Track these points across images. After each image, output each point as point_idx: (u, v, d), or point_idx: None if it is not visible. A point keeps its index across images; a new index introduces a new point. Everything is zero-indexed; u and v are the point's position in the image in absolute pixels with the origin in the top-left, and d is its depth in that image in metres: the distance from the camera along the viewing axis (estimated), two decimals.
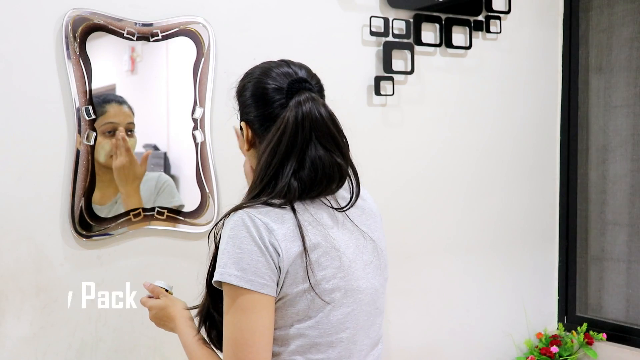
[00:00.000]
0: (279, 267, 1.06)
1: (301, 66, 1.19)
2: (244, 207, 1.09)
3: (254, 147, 1.19)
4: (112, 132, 1.75)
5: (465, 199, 2.47)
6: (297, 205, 1.11)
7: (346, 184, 1.17)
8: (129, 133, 1.78)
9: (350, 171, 1.17)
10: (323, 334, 1.10)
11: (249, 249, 1.05)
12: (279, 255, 1.06)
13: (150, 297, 1.35)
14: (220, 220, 1.13)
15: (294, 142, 1.10)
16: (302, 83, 1.15)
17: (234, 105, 1.24)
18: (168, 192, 1.86)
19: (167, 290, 1.35)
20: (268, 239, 1.06)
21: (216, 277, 1.07)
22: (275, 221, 1.07)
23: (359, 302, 1.14)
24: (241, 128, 1.20)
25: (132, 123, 1.79)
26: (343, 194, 1.19)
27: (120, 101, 1.77)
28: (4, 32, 1.63)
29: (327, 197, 1.16)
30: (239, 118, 1.21)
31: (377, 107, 2.25)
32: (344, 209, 1.16)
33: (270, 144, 1.11)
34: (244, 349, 1.04)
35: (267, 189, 1.11)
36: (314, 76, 1.20)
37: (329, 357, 1.11)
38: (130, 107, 1.79)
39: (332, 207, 1.15)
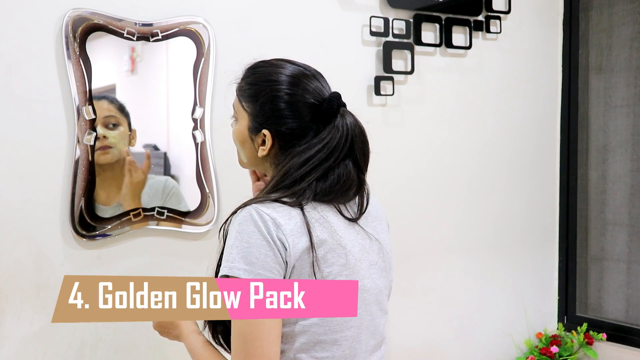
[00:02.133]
0: (286, 262, 1.07)
1: (313, 70, 1.21)
2: (252, 203, 1.10)
3: (267, 155, 1.19)
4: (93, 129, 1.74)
5: (465, 199, 2.47)
6: (306, 204, 1.12)
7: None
8: (112, 126, 1.76)
9: (364, 185, 1.20)
10: (327, 332, 1.11)
11: (257, 243, 1.06)
12: (286, 249, 1.06)
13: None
14: (230, 216, 1.13)
15: (330, 156, 1.14)
16: (339, 99, 1.18)
17: (242, 105, 1.21)
18: (175, 197, 1.86)
19: None
20: (276, 233, 1.06)
21: (223, 271, 1.07)
22: (282, 216, 1.08)
23: (364, 301, 1.15)
24: (256, 132, 1.19)
25: (113, 116, 1.76)
26: (354, 201, 1.20)
27: (99, 97, 1.74)
28: (4, 32, 1.63)
29: (338, 204, 1.17)
30: (257, 124, 1.19)
31: (377, 107, 2.25)
32: (351, 220, 1.17)
33: (306, 153, 1.13)
34: (254, 343, 1.04)
35: (283, 189, 1.12)
36: (326, 81, 1.22)
37: (334, 355, 1.11)
38: (112, 101, 1.76)
39: (340, 214, 1.16)
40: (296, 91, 1.16)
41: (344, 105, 1.18)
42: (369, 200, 1.21)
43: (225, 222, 1.14)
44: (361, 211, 1.19)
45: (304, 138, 1.16)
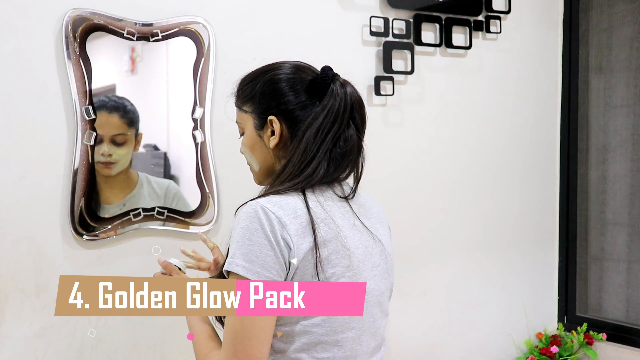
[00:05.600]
0: (289, 262, 1.07)
1: (314, 67, 1.24)
2: (261, 198, 1.10)
3: (278, 146, 1.20)
4: (98, 141, 1.72)
5: (465, 198, 2.47)
6: (311, 201, 1.12)
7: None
8: (117, 144, 1.75)
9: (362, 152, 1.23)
10: (329, 332, 1.11)
11: (259, 242, 1.06)
12: (290, 249, 1.07)
13: (163, 274, 1.35)
14: (240, 207, 1.13)
15: (334, 125, 1.16)
16: (332, 70, 1.20)
17: (243, 110, 1.23)
18: (181, 202, 1.86)
19: (179, 269, 1.35)
20: (280, 233, 1.07)
21: (225, 266, 1.09)
22: (288, 215, 1.08)
23: (366, 302, 1.15)
24: (261, 127, 1.20)
25: (122, 134, 1.76)
26: (349, 183, 1.22)
27: (111, 109, 1.75)
28: (4, 32, 1.63)
29: (336, 186, 1.18)
30: (260, 116, 1.20)
31: (377, 107, 2.25)
32: (349, 197, 1.18)
33: (312, 128, 1.15)
34: (243, 341, 1.05)
35: (301, 174, 1.14)
36: None
37: (335, 356, 1.12)
38: (125, 114, 1.76)
39: (339, 196, 1.17)
40: (292, 71, 1.20)
41: (338, 75, 1.20)
42: (361, 174, 1.22)
43: (237, 209, 1.13)
44: (357, 182, 1.21)
45: (308, 113, 1.17)
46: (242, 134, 1.26)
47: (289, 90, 1.18)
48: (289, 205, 1.09)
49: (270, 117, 1.18)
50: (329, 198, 1.15)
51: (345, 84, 1.19)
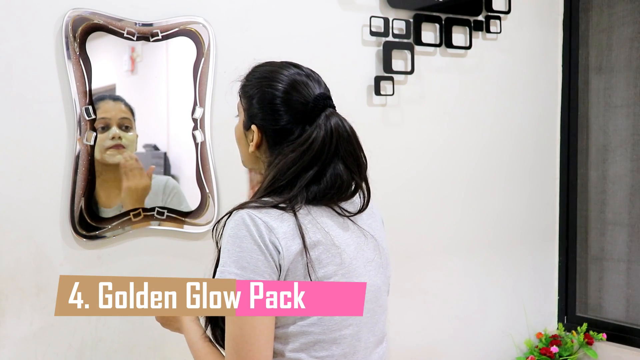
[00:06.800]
0: (280, 265, 1.08)
1: (315, 75, 1.21)
2: (245, 207, 1.11)
3: (258, 150, 1.21)
4: (105, 128, 1.74)
5: (465, 198, 2.47)
6: (299, 210, 1.12)
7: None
8: (125, 128, 1.78)
9: (364, 186, 1.20)
10: (326, 331, 1.11)
11: (249, 248, 1.07)
12: (279, 253, 1.07)
13: None
14: (222, 218, 1.14)
15: (318, 158, 1.13)
16: (327, 100, 1.18)
17: (241, 103, 1.24)
18: (176, 198, 1.86)
19: None
20: (268, 237, 1.07)
21: (217, 275, 1.09)
22: (275, 219, 1.09)
23: None
24: (247, 128, 1.21)
25: (127, 118, 1.78)
26: (351, 200, 1.20)
27: (115, 98, 1.77)
28: (4, 32, 1.63)
29: (332, 205, 1.17)
30: (248, 119, 1.21)
31: (377, 107, 2.25)
32: (347, 216, 1.17)
33: (291, 155, 1.13)
34: (245, 347, 1.06)
35: (275, 193, 1.13)
36: (326, 87, 1.22)
37: (333, 354, 1.12)
38: (126, 104, 1.78)
39: (336, 212, 1.16)
40: (286, 89, 1.17)
41: (332, 106, 1.18)
42: (368, 204, 1.21)
43: (218, 222, 1.15)
44: (360, 210, 1.19)
45: (290, 137, 1.16)
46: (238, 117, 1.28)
47: (278, 109, 1.16)
48: (275, 210, 1.10)
49: (253, 126, 1.19)
50: (318, 207, 1.15)
51: (331, 116, 1.15)
